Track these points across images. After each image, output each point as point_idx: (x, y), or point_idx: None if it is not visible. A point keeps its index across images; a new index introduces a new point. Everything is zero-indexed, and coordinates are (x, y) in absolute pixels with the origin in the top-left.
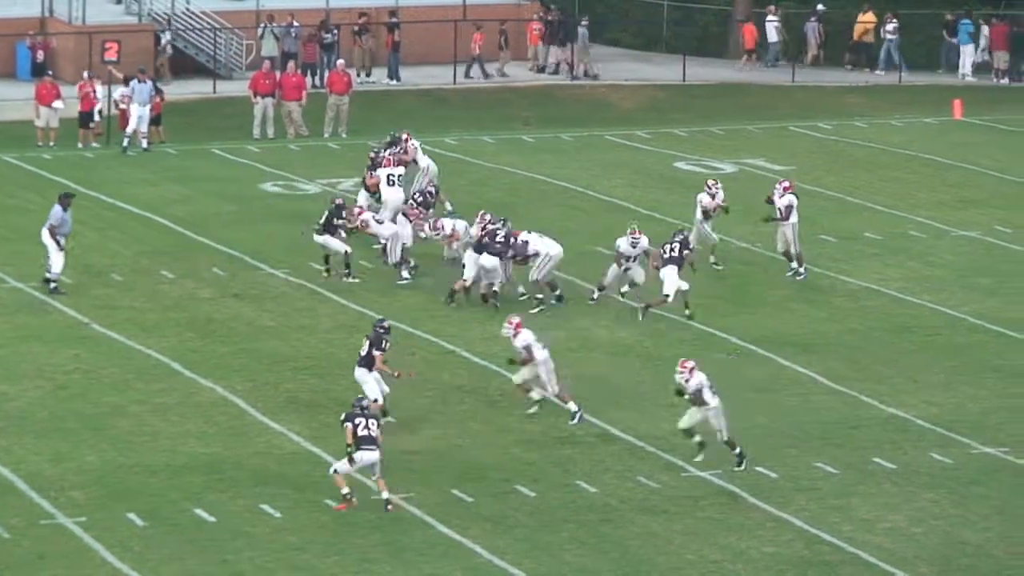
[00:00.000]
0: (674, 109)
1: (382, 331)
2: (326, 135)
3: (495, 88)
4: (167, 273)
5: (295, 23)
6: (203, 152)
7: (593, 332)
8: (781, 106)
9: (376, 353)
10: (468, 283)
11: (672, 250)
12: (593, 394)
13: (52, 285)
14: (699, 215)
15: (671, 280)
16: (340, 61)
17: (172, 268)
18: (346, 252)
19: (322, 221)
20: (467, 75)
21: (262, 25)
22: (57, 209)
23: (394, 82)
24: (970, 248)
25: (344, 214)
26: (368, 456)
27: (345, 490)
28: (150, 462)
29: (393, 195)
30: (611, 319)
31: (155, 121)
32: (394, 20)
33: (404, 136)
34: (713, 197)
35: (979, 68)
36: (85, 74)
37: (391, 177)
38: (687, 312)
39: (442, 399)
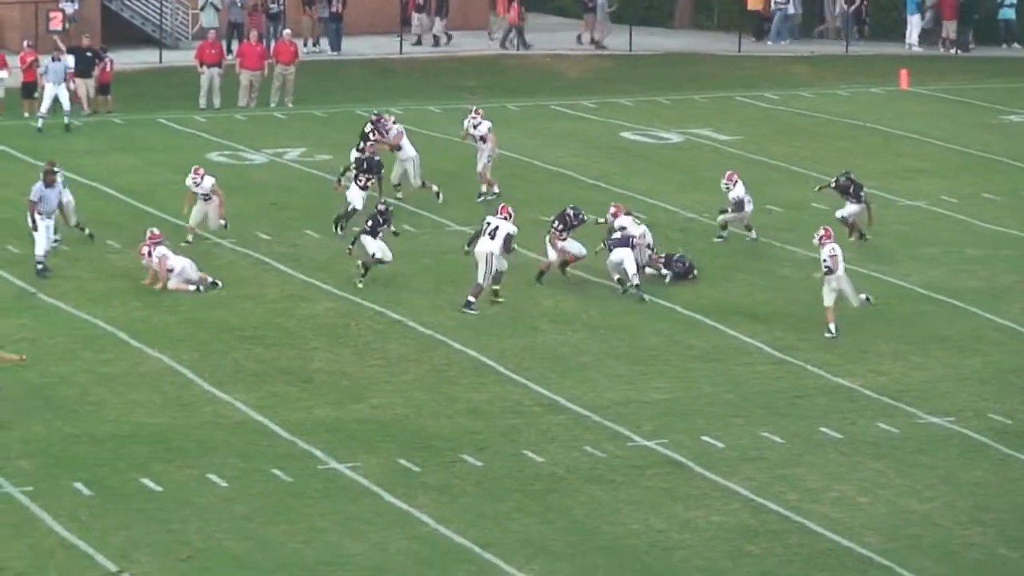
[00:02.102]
0: (620, 79)
1: None
2: (272, 105)
3: (440, 58)
4: (114, 243)
5: None
6: (149, 122)
7: (538, 302)
8: (727, 76)
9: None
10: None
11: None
12: (539, 364)
13: (39, 267)
14: None
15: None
16: (286, 31)
17: (119, 238)
18: (375, 257)
19: (370, 225)
20: (502, 46)
21: None
22: (38, 185)
23: (335, 53)
24: (917, 218)
25: (389, 217)
26: None
27: None
28: (96, 432)
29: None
30: (555, 289)
31: (103, 90)
32: None
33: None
34: None
35: (926, 37)
36: (25, 43)
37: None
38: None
39: (388, 369)
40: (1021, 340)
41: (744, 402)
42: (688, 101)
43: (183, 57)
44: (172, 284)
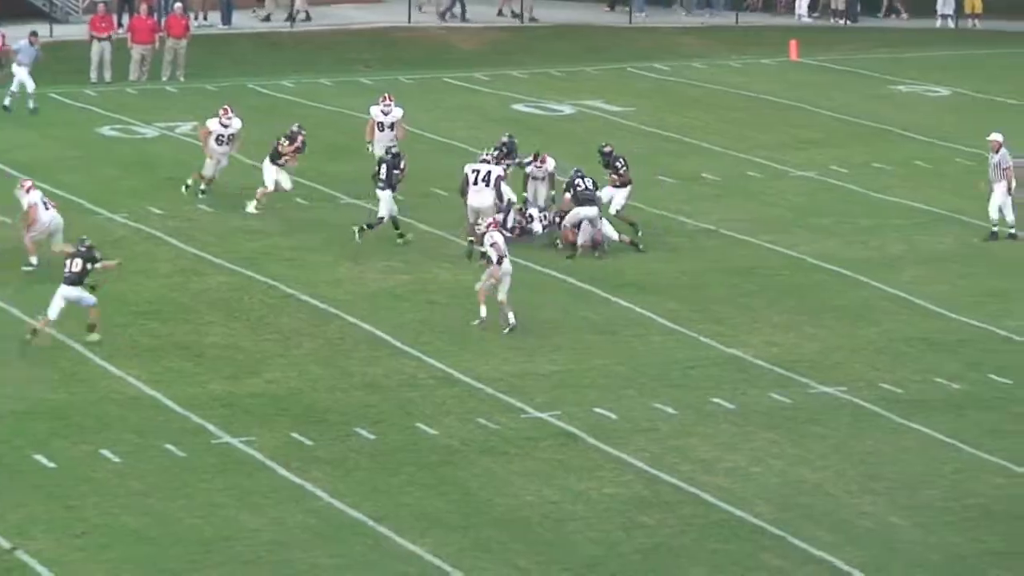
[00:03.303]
0: (513, 51)
1: (85, 249)
2: (164, 79)
3: (331, 31)
4: (5, 219)
5: None
6: (40, 96)
7: (434, 274)
8: (618, 48)
9: (98, 265)
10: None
11: None
12: (435, 337)
13: None
14: None
15: None
16: (178, 5)
17: (10, 214)
18: (391, 216)
19: (383, 175)
20: (443, 18)
21: None
22: None
23: (226, 26)
24: (808, 188)
25: (402, 164)
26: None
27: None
28: None
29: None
30: (451, 261)
31: None
32: None
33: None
34: None
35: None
36: None
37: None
38: None
39: (283, 343)
40: (912, 310)
41: (636, 373)
42: (580, 73)
43: (74, 31)
44: (56, 249)
